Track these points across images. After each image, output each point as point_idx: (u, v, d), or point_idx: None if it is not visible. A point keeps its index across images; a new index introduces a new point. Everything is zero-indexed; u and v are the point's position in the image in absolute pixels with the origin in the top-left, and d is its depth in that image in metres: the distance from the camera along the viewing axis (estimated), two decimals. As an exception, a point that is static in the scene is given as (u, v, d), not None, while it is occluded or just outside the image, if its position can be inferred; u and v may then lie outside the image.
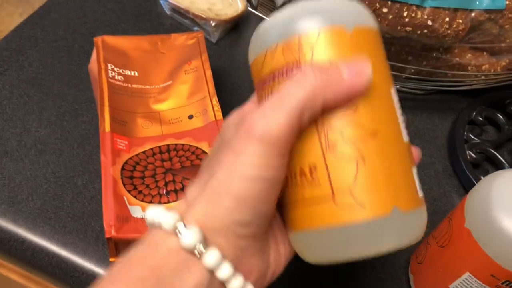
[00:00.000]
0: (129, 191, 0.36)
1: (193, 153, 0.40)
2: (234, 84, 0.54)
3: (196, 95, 0.44)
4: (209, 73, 0.45)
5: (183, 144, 0.40)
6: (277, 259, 0.28)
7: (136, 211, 0.35)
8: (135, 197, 0.36)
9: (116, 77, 0.44)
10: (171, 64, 0.47)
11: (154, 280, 0.23)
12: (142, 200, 0.36)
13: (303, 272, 0.42)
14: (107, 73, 0.44)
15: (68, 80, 0.51)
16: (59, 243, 0.42)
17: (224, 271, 0.24)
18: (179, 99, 0.44)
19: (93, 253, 0.42)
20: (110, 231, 0.34)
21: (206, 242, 0.24)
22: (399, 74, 0.51)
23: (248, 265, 0.26)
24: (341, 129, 0.25)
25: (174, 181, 0.38)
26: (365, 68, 0.25)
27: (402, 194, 0.26)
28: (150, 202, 0.36)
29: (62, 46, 0.54)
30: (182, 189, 0.37)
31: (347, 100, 0.25)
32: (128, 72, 0.46)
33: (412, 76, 0.51)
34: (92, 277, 0.41)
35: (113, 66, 0.45)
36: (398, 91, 0.56)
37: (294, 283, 0.41)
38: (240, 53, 0.57)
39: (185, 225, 0.24)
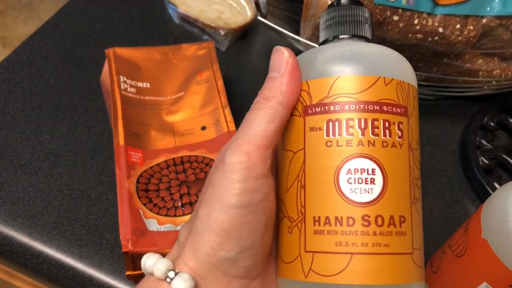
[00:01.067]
0: (144, 204, 0.36)
1: (207, 164, 0.40)
2: (244, 93, 0.54)
3: (208, 106, 0.44)
4: (221, 83, 0.45)
5: (196, 156, 0.40)
6: None
7: (152, 224, 0.35)
8: (150, 210, 0.36)
9: (129, 89, 0.44)
10: (183, 75, 0.47)
11: None
12: (158, 213, 0.36)
13: None
14: (119, 85, 0.44)
15: (78, 91, 0.52)
16: (74, 256, 0.42)
17: None
18: (191, 110, 0.44)
19: (109, 266, 0.42)
20: (127, 245, 0.34)
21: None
22: (409, 80, 0.51)
23: None
24: None
25: (189, 194, 0.38)
26: (280, 53, 0.26)
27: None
28: (166, 215, 0.36)
29: (72, 57, 0.54)
30: (197, 201, 0.37)
31: (297, 86, 0.25)
32: (140, 84, 0.46)
33: (423, 83, 0.51)
34: (107, 289, 0.41)
35: (125, 78, 0.45)
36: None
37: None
38: (250, 61, 0.57)
39: (175, 272, 0.24)
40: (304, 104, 0.26)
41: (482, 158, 0.49)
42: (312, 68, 0.26)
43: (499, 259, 0.32)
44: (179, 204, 0.37)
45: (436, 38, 0.46)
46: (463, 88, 0.52)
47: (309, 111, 0.26)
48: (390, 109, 0.25)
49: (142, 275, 0.37)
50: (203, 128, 0.43)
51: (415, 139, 0.27)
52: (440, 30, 0.45)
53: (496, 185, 0.47)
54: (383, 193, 0.25)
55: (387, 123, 0.25)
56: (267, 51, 0.58)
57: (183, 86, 0.46)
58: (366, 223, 0.24)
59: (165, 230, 0.35)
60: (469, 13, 0.45)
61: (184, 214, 0.36)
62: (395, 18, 0.44)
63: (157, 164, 0.40)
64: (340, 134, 0.25)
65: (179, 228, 0.35)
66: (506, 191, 0.33)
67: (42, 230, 0.43)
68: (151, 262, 0.25)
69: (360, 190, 0.25)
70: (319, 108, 0.26)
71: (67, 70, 0.53)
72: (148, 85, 0.46)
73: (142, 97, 0.45)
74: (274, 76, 0.26)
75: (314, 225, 0.25)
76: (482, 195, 0.47)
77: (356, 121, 0.25)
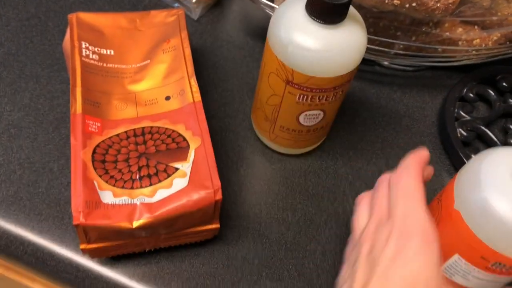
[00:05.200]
0: (100, 176, 0.35)
1: (169, 136, 0.38)
2: (216, 63, 0.52)
3: (173, 75, 0.42)
4: (188, 52, 0.43)
5: (158, 127, 0.38)
6: None
7: (106, 196, 0.34)
8: (106, 181, 0.34)
9: (91, 56, 0.42)
10: (149, 42, 0.45)
11: None
12: (114, 185, 0.34)
13: None
14: (80, 52, 0.42)
15: (41, 60, 0.49)
16: (34, 231, 0.40)
17: None
18: (156, 80, 0.42)
19: (71, 241, 0.40)
20: (78, 218, 0.32)
21: None
22: (388, 50, 0.49)
23: None
24: None
25: (148, 166, 0.36)
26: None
27: None
28: (122, 187, 0.34)
29: (34, 25, 0.52)
30: (156, 174, 0.35)
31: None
32: (103, 51, 0.43)
33: (401, 52, 0.49)
34: (70, 265, 0.40)
35: (87, 44, 0.43)
36: (387, 67, 0.54)
37: None
38: (223, 31, 0.54)
39: None
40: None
41: (460, 130, 0.47)
42: None
43: (471, 230, 0.31)
44: (137, 177, 0.35)
45: (414, 4, 0.43)
46: (442, 58, 0.50)
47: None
48: None
49: (97, 249, 0.35)
50: (168, 98, 0.41)
51: None
52: (417, -5, 0.43)
53: (474, 157, 0.45)
54: None
55: None
56: (241, 20, 0.56)
57: (149, 54, 0.44)
58: None
59: (120, 203, 0.34)
60: (447, -23, 0.43)
61: (141, 187, 0.35)
62: (370, -18, 0.42)
63: (117, 135, 0.38)
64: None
65: (135, 201, 0.34)
66: (479, 160, 0.32)
67: (0, 204, 0.41)
68: None
69: None
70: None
71: (30, 39, 0.51)
72: (112, 52, 0.44)
73: (104, 64, 0.42)
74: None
75: None
76: (459, 168, 0.46)
77: None
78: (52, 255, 0.40)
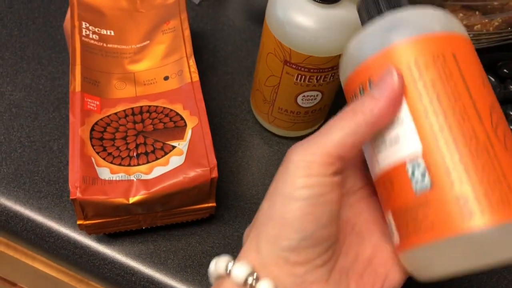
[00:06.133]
0: (97, 153, 0.35)
1: (166, 115, 0.38)
2: (216, 46, 0.52)
3: (172, 56, 0.42)
4: (187, 33, 0.43)
5: (156, 106, 0.39)
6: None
7: (104, 172, 0.34)
8: (104, 158, 0.35)
9: (91, 36, 0.43)
10: (149, 23, 0.45)
11: None
12: (111, 162, 0.35)
13: None
14: (81, 32, 0.42)
15: (43, 42, 0.50)
16: (33, 208, 0.41)
17: None
18: (155, 60, 0.42)
19: (69, 218, 0.41)
20: (76, 192, 0.32)
21: (258, 275, 0.25)
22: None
23: None
24: None
25: (145, 144, 0.36)
26: (390, 76, 0.25)
27: None
28: (120, 164, 0.35)
29: (37, 7, 0.52)
30: (153, 151, 0.36)
31: (392, 110, 0.25)
32: (103, 31, 0.44)
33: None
34: (68, 242, 0.40)
35: (87, 25, 0.43)
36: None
37: None
38: (224, 14, 0.54)
39: (255, 278, 0.25)
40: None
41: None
42: None
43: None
44: (134, 154, 0.36)
45: (414, -12, 0.43)
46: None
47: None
48: None
49: (94, 225, 0.36)
50: (166, 78, 0.41)
51: None
52: (417, -22, 0.43)
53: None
54: None
55: None
56: (242, 4, 0.56)
57: (149, 35, 0.44)
58: None
59: (117, 179, 0.34)
60: (448, -40, 0.42)
61: (138, 164, 0.35)
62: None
63: (115, 113, 0.38)
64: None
65: (132, 177, 0.34)
66: None
67: (0, 181, 0.42)
68: (216, 260, 0.26)
69: None
70: None
71: (32, 21, 0.51)
72: (112, 33, 0.44)
73: (104, 44, 0.43)
74: (373, 94, 0.25)
75: None
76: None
77: None
78: (50, 232, 0.41)
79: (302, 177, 0.24)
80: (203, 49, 0.52)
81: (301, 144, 0.26)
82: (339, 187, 0.26)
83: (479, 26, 0.48)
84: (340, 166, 0.25)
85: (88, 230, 0.36)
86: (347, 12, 0.34)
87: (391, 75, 0.25)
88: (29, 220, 0.41)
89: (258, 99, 0.44)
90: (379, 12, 0.27)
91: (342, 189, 0.29)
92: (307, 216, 0.24)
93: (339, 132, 0.25)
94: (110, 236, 0.40)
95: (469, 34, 0.48)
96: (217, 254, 0.40)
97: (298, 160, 0.25)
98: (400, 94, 0.25)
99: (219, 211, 0.42)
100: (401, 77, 0.25)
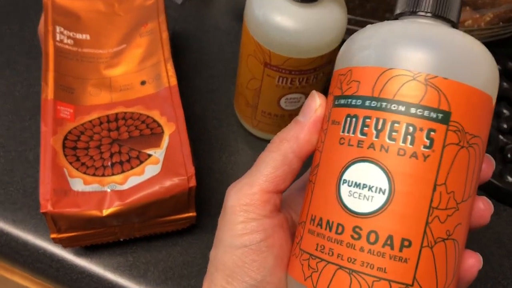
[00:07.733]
0: (70, 163, 0.33)
1: (143, 122, 0.37)
2: (200, 48, 0.50)
3: (150, 60, 0.40)
4: (165, 35, 0.42)
5: (132, 113, 0.37)
6: None
7: (76, 183, 0.32)
8: (77, 169, 0.33)
9: (65, 41, 0.41)
10: (127, 26, 0.44)
11: None
12: (85, 173, 0.33)
13: None
14: (54, 36, 0.41)
15: (19, 48, 0.48)
16: (8, 221, 0.39)
17: None
18: (131, 64, 0.40)
19: (45, 231, 0.39)
20: (46, 206, 0.31)
21: None
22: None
23: None
24: None
25: (120, 152, 0.35)
26: (313, 100, 0.25)
27: None
28: (93, 174, 0.33)
29: (12, 11, 0.50)
30: (129, 160, 0.34)
31: (315, 138, 0.24)
32: (79, 35, 0.42)
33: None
34: (44, 255, 0.38)
35: (62, 29, 0.41)
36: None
37: None
38: (209, 15, 0.53)
39: None
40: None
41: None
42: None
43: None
44: (109, 164, 0.34)
45: (401, -16, 0.42)
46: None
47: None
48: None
49: (68, 238, 0.34)
50: (143, 83, 0.39)
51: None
52: (404, -26, 0.41)
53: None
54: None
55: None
56: (227, 4, 0.54)
57: (126, 39, 0.42)
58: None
59: (91, 190, 0.32)
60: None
61: (113, 174, 0.33)
62: (354, -40, 0.40)
63: (90, 121, 0.36)
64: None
65: (105, 188, 0.33)
66: None
67: (-26, 193, 0.40)
68: None
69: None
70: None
71: (7, 26, 0.49)
72: (88, 37, 0.42)
73: (79, 49, 0.41)
74: (298, 120, 0.25)
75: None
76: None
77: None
78: (26, 245, 0.39)
79: (240, 223, 0.24)
80: (187, 51, 0.50)
81: (235, 185, 0.25)
82: (281, 227, 0.25)
83: (470, 21, 0.46)
84: (279, 198, 0.25)
85: (63, 243, 0.34)
86: (328, 12, 0.33)
87: (313, 99, 0.24)
88: (3, 234, 0.39)
89: (241, 103, 0.42)
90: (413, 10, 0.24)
91: (289, 223, 0.27)
92: (252, 263, 0.23)
93: (269, 165, 0.24)
94: (88, 249, 0.38)
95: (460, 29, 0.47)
96: (199, 264, 0.38)
97: (233, 205, 0.24)
98: (321, 116, 0.24)
99: (201, 220, 0.40)
100: (324, 99, 0.24)
